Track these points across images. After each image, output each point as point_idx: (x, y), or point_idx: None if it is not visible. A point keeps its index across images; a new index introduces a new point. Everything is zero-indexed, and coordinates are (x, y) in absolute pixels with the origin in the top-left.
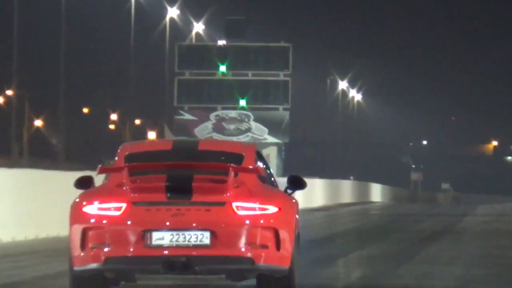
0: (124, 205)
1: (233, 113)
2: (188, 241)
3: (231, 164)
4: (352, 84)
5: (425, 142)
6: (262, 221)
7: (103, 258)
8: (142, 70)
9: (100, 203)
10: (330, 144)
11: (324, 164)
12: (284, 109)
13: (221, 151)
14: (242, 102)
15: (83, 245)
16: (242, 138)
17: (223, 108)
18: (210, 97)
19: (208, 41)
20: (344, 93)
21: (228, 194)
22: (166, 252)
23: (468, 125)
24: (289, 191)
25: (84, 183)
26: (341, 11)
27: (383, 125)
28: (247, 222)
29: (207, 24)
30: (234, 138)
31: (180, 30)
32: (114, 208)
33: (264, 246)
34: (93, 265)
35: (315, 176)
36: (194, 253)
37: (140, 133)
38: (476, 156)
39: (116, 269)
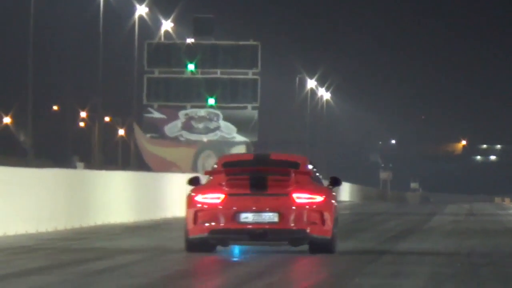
0: (222, 195)
1: (202, 112)
2: (263, 219)
3: (292, 169)
4: (321, 83)
5: (393, 141)
6: (312, 206)
7: (208, 230)
8: (112, 68)
9: (207, 193)
10: (299, 143)
11: None
12: (253, 107)
13: (285, 160)
14: (211, 101)
15: (195, 222)
16: (211, 137)
17: (192, 107)
18: (179, 96)
19: (177, 39)
20: (313, 91)
21: (290, 189)
22: (249, 226)
23: (437, 124)
24: (330, 186)
25: (194, 181)
26: (310, 9)
27: (352, 124)
28: (302, 207)
29: (176, 22)
30: (203, 137)
31: (149, 28)
32: (216, 198)
33: (314, 223)
34: (201, 235)
35: None
36: (267, 227)
37: (110, 130)
38: (445, 155)
39: (216, 237)
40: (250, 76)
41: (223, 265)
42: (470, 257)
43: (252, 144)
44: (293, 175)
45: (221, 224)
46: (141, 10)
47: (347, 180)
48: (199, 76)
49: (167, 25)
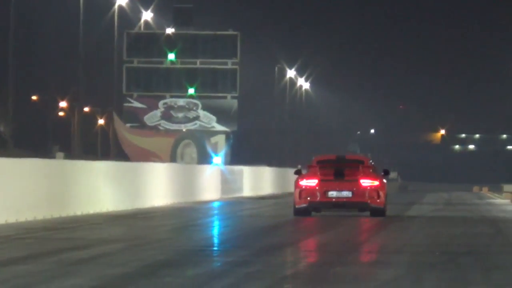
0: (317, 180)
1: (181, 101)
2: (342, 195)
3: (359, 164)
4: (300, 73)
5: (372, 131)
6: (371, 187)
7: (308, 202)
8: (91, 58)
9: (307, 179)
10: (279, 132)
11: (273, 152)
12: (232, 97)
13: (355, 159)
14: (191, 91)
15: (300, 197)
16: (190, 126)
17: (172, 96)
18: (158, 85)
19: (157, 29)
20: (292, 81)
21: (358, 176)
22: (334, 199)
23: (416, 113)
24: (382, 174)
25: (298, 172)
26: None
27: (331, 113)
28: (366, 187)
29: (155, 12)
30: (182, 126)
31: (128, 18)
32: (313, 182)
33: (373, 198)
34: (303, 205)
35: (264, 164)
36: (345, 200)
37: (89, 120)
38: (423, 144)
39: (313, 207)
40: (229, 66)
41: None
42: (449, 246)
43: (232, 133)
44: (360, 168)
45: (316, 199)
46: (121, 0)
47: None
48: (179, 66)
49: (146, 15)
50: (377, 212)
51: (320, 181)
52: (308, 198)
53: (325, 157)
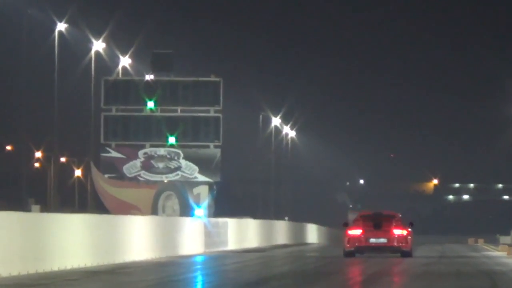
0: (361, 231)
1: (162, 151)
2: (380, 241)
3: (392, 218)
4: (285, 121)
5: (362, 181)
6: (401, 235)
7: (354, 247)
8: (67, 106)
9: (354, 230)
10: (263, 182)
11: (257, 203)
12: (215, 146)
13: (389, 214)
14: (171, 140)
15: (348, 242)
16: (172, 177)
17: (152, 146)
18: (138, 134)
19: (135, 76)
20: (278, 129)
21: (391, 227)
22: (373, 244)
23: (407, 162)
24: (409, 226)
25: (346, 224)
26: (273, 46)
27: (318, 163)
28: (397, 235)
29: (134, 58)
30: (163, 177)
31: (106, 64)
32: (358, 231)
33: (402, 243)
34: (351, 249)
35: (248, 216)
36: (382, 245)
37: (66, 171)
38: (415, 194)
39: (358, 250)
40: (212, 113)
41: None
42: None
43: (215, 184)
44: (392, 221)
45: (361, 244)
46: (98, 46)
47: (314, 221)
48: (159, 114)
49: (125, 61)
50: (406, 254)
51: (364, 231)
52: (356, 244)
53: (366, 213)
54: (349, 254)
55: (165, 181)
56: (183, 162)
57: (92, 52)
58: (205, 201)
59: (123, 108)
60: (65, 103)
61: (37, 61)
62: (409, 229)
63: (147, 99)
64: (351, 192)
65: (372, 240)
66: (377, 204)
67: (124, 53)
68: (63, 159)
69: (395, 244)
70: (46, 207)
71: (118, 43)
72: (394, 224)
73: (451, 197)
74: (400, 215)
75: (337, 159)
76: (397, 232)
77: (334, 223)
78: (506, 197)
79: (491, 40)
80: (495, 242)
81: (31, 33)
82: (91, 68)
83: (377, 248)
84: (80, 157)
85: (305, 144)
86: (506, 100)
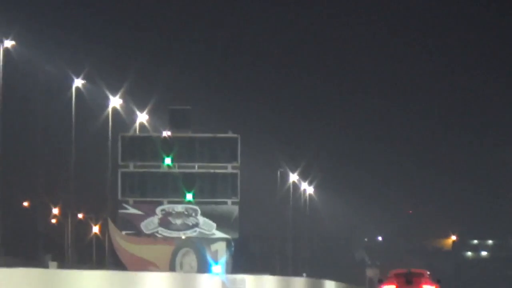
0: (394, 286)
1: (179, 208)
2: None
3: (421, 275)
4: (303, 177)
5: (380, 238)
6: None
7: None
8: (85, 162)
9: (388, 285)
10: (281, 239)
11: (275, 260)
12: (233, 203)
13: (419, 271)
14: (189, 196)
15: None
16: (190, 233)
17: (169, 202)
18: (155, 191)
19: (152, 132)
20: (295, 185)
21: (421, 283)
22: None
23: (425, 219)
24: (438, 281)
25: (381, 280)
26: (290, 101)
27: (336, 220)
28: None
29: (151, 114)
30: (181, 233)
31: (123, 120)
32: (392, 286)
33: None
34: (390, 286)
35: (265, 273)
36: None
37: (83, 228)
38: (434, 250)
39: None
40: (229, 170)
41: None
42: None
43: (233, 240)
44: (422, 278)
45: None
46: (115, 102)
47: (332, 278)
48: (176, 170)
49: (142, 117)
50: None
51: (397, 286)
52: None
53: (398, 270)
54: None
55: (183, 237)
56: (200, 219)
57: (110, 108)
58: (223, 258)
59: (141, 165)
60: (82, 159)
61: (55, 116)
62: (437, 284)
63: (164, 156)
64: (369, 248)
65: None
66: (394, 261)
67: (141, 109)
68: (80, 216)
69: None
70: (64, 264)
71: (135, 99)
72: (423, 280)
73: (469, 253)
74: (428, 273)
75: (355, 216)
76: (426, 287)
77: (352, 279)
78: None
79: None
80: None
81: (48, 90)
82: (108, 124)
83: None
84: (98, 214)
85: (323, 200)
86: None
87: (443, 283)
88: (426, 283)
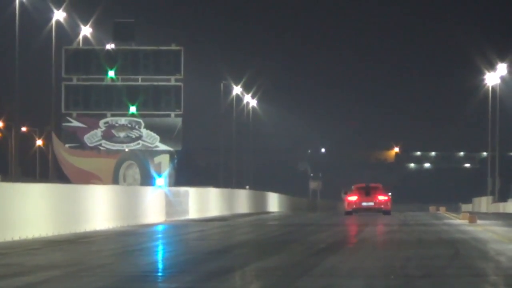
0: (356, 197)
1: (123, 120)
2: (369, 204)
3: (377, 187)
4: (247, 90)
5: (323, 150)
6: (383, 199)
7: (351, 208)
8: (28, 76)
9: (351, 196)
10: (225, 151)
11: (219, 172)
12: (176, 115)
13: (375, 186)
14: (132, 109)
15: (347, 206)
16: (133, 146)
17: (113, 115)
18: (99, 104)
19: (96, 45)
20: (239, 98)
21: (376, 194)
22: (365, 207)
23: (368, 131)
24: (389, 192)
25: (346, 192)
26: (234, 13)
27: (279, 132)
28: (381, 200)
29: (95, 27)
30: (124, 146)
31: (66, 33)
32: (354, 197)
33: (384, 205)
34: (349, 210)
35: (209, 185)
36: (370, 207)
37: (27, 141)
38: (377, 163)
39: (354, 210)
40: (173, 82)
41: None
42: (404, 269)
43: (176, 153)
44: (377, 189)
45: (356, 207)
46: (58, 15)
47: (275, 190)
48: (120, 83)
49: (85, 30)
50: (387, 212)
51: (358, 197)
52: (353, 206)
53: (359, 185)
54: (348, 213)
55: (126, 150)
56: (144, 131)
57: (53, 21)
58: (166, 170)
59: (84, 78)
60: (26, 73)
61: None
62: (389, 195)
63: (108, 68)
64: (313, 161)
65: (364, 203)
66: (338, 173)
67: (85, 23)
68: (24, 129)
69: (379, 206)
70: (7, 177)
71: (79, 12)
72: (378, 192)
73: (412, 165)
74: (382, 186)
75: (298, 128)
76: (380, 197)
77: (295, 191)
78: (467, 165)
79: (456, 13)
80: (456, 210)
81: None
82: (51, 38)
83: (367, 209)
84: (41, 127)
85: (267, 113)
86: (467, 70)
87: (392, 194)
88: (380, 194)
